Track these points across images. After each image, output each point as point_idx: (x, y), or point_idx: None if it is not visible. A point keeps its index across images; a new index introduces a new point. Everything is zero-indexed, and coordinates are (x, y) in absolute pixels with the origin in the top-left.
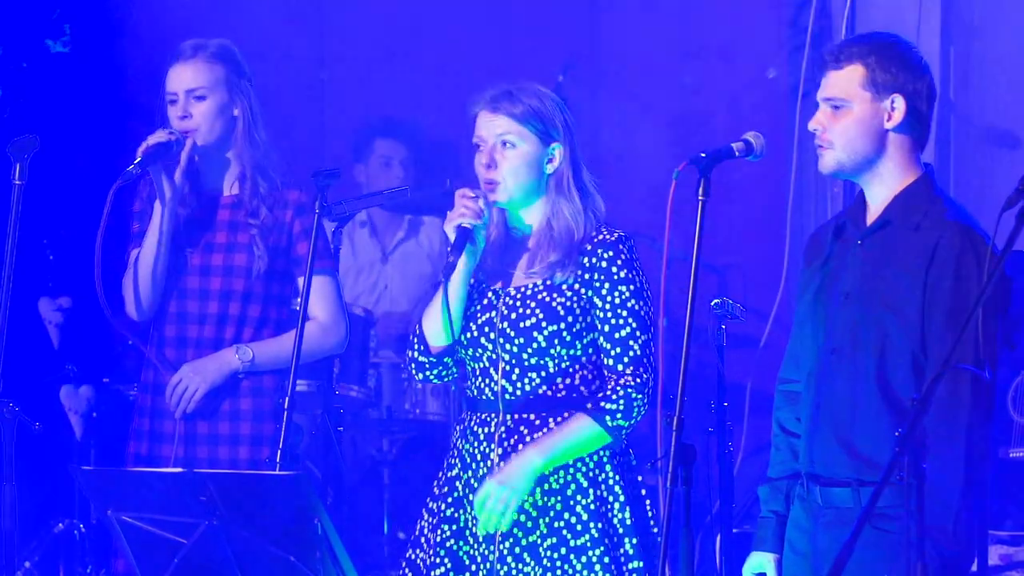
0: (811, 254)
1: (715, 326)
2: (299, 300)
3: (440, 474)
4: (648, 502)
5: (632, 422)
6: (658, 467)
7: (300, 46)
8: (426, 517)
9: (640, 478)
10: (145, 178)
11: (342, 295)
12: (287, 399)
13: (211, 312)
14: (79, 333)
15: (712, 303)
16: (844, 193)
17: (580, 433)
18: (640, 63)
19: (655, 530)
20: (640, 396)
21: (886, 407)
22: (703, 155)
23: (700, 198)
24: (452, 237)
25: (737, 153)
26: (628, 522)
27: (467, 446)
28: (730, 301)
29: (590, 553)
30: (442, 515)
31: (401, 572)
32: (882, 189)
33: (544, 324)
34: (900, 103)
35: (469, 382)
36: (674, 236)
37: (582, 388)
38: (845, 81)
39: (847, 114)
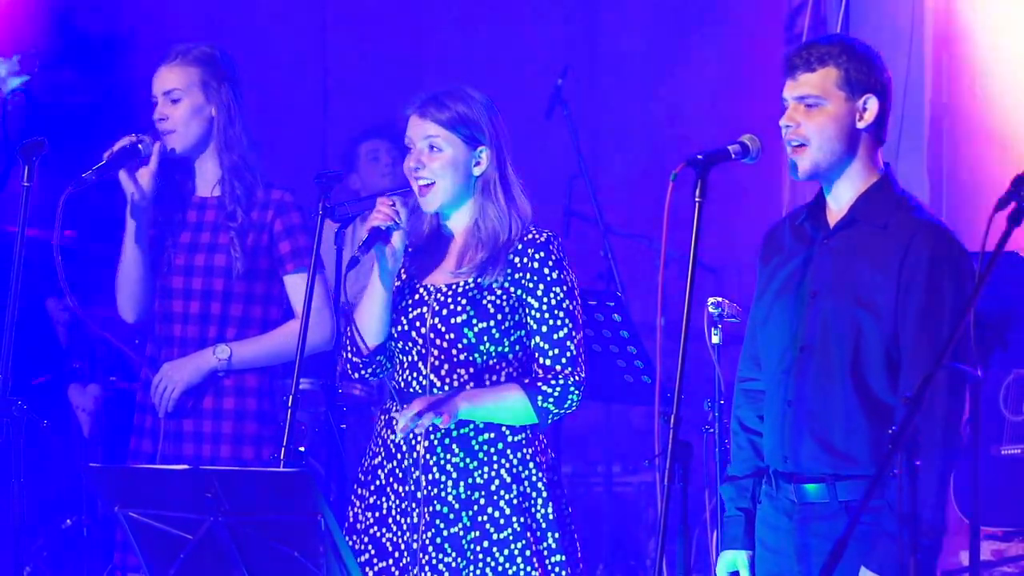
0: (768, 253)
1: (712, 325)
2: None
3: (364, 461)
4: (565, 500)
5: (561, 412)
6: (655, 464)
7: (303, 51)
8: (356, 504)
9: (556, 477)
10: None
11: (327, 291)
12: (291, 397)
13: (193, 312)
14: (86, 332)
15: (709, 302)
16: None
17: (510, 400)
18: (639, 64)
19: (572, 527)
20: (576, 391)
21: (861, 402)
22: (700, 157)
23: (697, 199)
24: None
25: (733, 155)
26: (551, 517)
27: (392, 436)
28: (726, 301)
29: (512, 547)
30: (366, 503)
31: None
32: (847, 189)
33: (474, 321)
34: (873, 103)
35: (397, 374)
36: (671, 237)
37: None
38: (819, 80)
39: (822, 112)
